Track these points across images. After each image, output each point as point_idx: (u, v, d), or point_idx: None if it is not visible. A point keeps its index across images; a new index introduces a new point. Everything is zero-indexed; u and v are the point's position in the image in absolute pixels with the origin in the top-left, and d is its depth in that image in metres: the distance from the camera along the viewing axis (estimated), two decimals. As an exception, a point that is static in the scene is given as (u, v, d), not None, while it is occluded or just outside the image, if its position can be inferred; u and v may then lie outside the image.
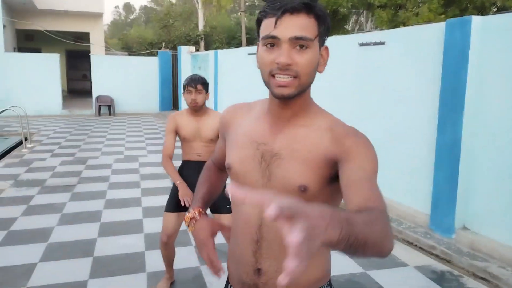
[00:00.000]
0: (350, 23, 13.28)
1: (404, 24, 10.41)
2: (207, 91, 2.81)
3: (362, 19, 14.18)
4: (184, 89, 2.80)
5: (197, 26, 21.48)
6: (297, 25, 0.94)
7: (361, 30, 13.75)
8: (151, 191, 5.33)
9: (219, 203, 2.64)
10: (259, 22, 1.01)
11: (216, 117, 2.85)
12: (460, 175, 3.64)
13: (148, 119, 12.76)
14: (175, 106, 14.04)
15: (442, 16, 10.00)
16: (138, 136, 9.68)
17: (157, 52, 14.99)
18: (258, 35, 1.01)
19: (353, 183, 0.90)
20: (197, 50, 14.19)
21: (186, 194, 2.70)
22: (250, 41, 22.13)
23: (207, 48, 20.68)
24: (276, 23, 0.94)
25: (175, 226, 2.92)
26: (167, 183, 5.71)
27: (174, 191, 2.86)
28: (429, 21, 9.99)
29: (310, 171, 0.99)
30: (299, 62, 0.95)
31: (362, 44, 4.82)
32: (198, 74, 2.87)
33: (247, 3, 25.91)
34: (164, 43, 17.44)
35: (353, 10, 12.45)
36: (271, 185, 1.03)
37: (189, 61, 11.58)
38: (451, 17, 10.74)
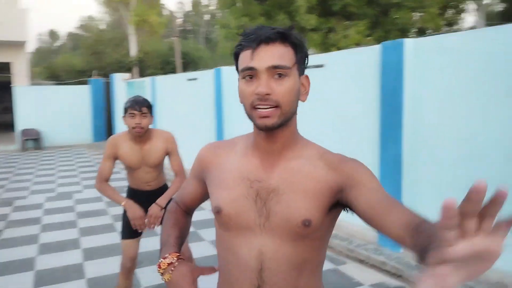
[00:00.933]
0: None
1: (335, 46, 10.91)
2: (151, 114, 2.61)
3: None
4: (125, 112, 2.54)
5: (129, 52, 21.01)
6: (274, 54, 0.94)
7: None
8: (90, 230, 4.94)
9: None
10: (236, 56, 1.00)
11: (161, 136, 2.68)
12: (403, 190, 3.76)
13: (80, 151, 12.06)
14: (110, 136, 13.44)
15: (369, 38, 10.61)
16: (70, 171, 9.07)
17: (87, 80, 14.36)
18: (237, 69, 1.01)
19: (382, 207, 0.87)
20: (131, 76, 13.78)
21: (136, 215, 2.51)
22: (185, 66, 22.03)
23: (141, 74, 20.25)
24: (252, 54, 0.94)
25: (136, 250, 2.77)
26: (108, 220, 5.34)
27: (126, 217, 2.66)
28: (358, 42, 10.55)
29: (313, 204, 0.96)
30: (278, 91, 0.93)
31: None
32: (141, 96, 2.63)
33: (178, 28, 25.85)
34: (95, 71, 16.77)
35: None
36: (270, 225, 0.97)
37: (124, 89, 11.18)
38: (376, 39, 11.45)
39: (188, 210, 1.26)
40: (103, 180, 2.64)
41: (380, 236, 3.99)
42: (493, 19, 22.43)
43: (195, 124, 7.60)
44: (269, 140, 1.01)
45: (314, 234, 0.97)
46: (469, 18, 23.47)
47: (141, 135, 2.58)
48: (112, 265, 3.88)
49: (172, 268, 1.02)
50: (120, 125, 11.54)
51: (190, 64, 22.95)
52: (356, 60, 4.29)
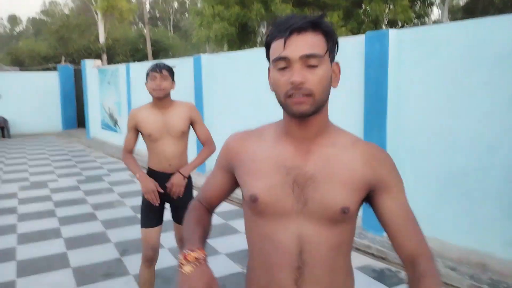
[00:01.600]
0: (258, 37, 13.68)
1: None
2: (173, 79, 2.53)
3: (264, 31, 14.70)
4: (147, 78, 2.50)
5: (98, 39, 20.38)
6: (306, 43, 0.95)
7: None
8: (70, 220, 4.84)
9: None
10: (267, 45, 1.01)
11: (185, 106, 2.59)
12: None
13: (50, 140, 11.68)
14: (80, 124, 13.08)
15: (343, 28, 10.76)
16: (43, 159, 8.79)
17: (54, 67, 13.86)
18: (268, 58, 1.02)
19: (401, 229, 1.02)
20: (102, 63, 13.40)
21: (149, 188, 2.43)
22: (156, 54, 21.63)
23: (109, 61, 19.71)
24: (285, 44, 0.95)
25: (158, 240, 2.63)
26: (88, 209, 5.25)
27: (145, 202, 2.56)
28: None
29: (350, 193, 1.00)
30: (312, 80, 0.95)
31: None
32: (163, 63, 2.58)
33: (148, 15, 25.26)
34: (63, 57, 16.19)
35: (261, 23, 12.84)
36: (308, 210, 1.00)
37: (95, 76, 10.88)
38: (350, 30, 11.62)
39: (210, 208, 1.23)
40: (126, 151, 2.65)
41: (364, 220, 4.13)
42: (456, 13, 23.22)
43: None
44: (303, 127, 1.02)
45: (350, 219, 1.02)
46: (435, 11, 24.23)
47: (162, 98, 2.48)
48: (97, 254, 3.84)
49: (197, 264, 0.96)
50: (93, 114, 11.24)
51: (161, 52, 22.55)
52: (340, 50, 4.36)
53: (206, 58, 6.58)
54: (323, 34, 0.97)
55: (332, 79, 1.01)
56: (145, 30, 21.97)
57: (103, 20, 19.99)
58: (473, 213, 3.31)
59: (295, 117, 0.99)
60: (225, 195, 1.21)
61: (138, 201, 5.51)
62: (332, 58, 1.01)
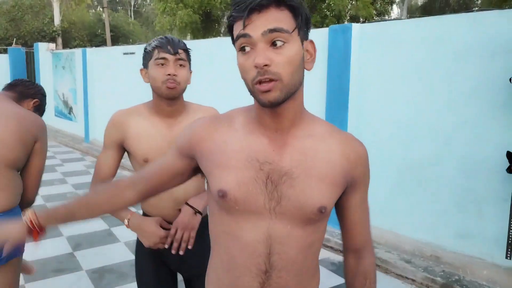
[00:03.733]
0: (222, 26, 13.51)
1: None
2: (190, 67, 1.58)
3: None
4: (148, 59, 1.52)
5: (53, 21, 19.41)
6: (269, 19, 0.84)
7: (227, 32, 14.08)
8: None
9: None
10: (230, 29, 0.91)
11: (204, 113, 1.57)
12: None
13: (-1, 127, 11.05)
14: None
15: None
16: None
17: (5, 49, 13.07)
18: (233, 43, 0.91)
19: (358, 223, 1.05)
20: (57, 47, 12.77)
21: (155, 233, 1.45)
22: (115, 40, 20.89)
23: (65, 45, 18.85)
24: (244, 23, 0.85)
25: None
26: (39, 200, 4.97)
27: (145, 267, 1.62)
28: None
29: (329, 190, 0.93)
30: (277, 61, 0.84)
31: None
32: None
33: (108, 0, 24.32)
34: (15, 39, 15.31)
35: (225, 12, 12.67)
36: (281, 209, 0.91)
37: (49, 60, 10.35)
38: (313, 23, 11.71)
39: (144, 192, 1.07)
40: (99, 182, 1.57)
41: (323, 213, 4.16)
42: (414, 12, 24.01)
43: (134, 103, 7.23)
44: (275, 116, 0.92)
45: (325, 217, 0.96)
46: (395, 9, 24.92)
47: (174, 98, 1.50)
48: (48, 248, 3.65)
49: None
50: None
51: (120, 38, 21.83)
52: None
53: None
54: (290, 9, 0.86)
55: (305, 61, 0.90)
56: (103, 14, 21.13)
57: (59, 1, 19.04)
58: (427, 205, 3.41)
59: (265, 107, 0.89)
60: (173, 180, 1.06)
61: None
62: (303, 37, 0.89)
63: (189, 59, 1.54)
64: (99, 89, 8.32)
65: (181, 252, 1.44)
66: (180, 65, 1.48)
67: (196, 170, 1.05)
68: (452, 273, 3.12)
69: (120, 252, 3.61)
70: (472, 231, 3.14)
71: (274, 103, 0.86)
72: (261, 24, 0.84)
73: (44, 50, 10.68)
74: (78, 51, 8.92)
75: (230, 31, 0.91)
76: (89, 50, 8.53)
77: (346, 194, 1.00)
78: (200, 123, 1.02)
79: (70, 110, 9.56)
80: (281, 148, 0.93)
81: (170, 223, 1.50)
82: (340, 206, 1.03)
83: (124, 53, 7.38)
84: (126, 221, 1.48)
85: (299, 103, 0.95)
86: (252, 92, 0.89)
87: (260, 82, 0.85)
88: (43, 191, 5.33)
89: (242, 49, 0.87)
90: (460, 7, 20.41)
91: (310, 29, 0.92)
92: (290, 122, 0.93)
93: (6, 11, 19.29)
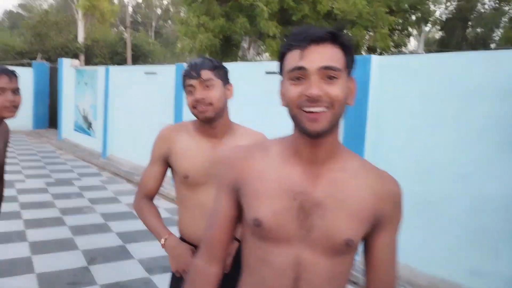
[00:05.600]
0: (240, 50, 13.77)
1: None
2: (226, 81, 1.57)
3: (245, 45, 14.83)
4: (184, 87, 1.55)
5: (76, 38, 20.01)
6: (325, 55, 0.89)
7: (244, 57, 14.31)
8: (36, 223, 4.67)
9: None
10: (282, 56, 0.95)
11: (250, 136, 1.61)
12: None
13: (19, 138, 11.28)
14: (52, 124, 12.71)
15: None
16: (10, 158, 8.46)
17: (29, 63, 13.49)
18: (281, 71, 0.96)
19: (383, 263, 1.01)
20: (81, 63, 13.14)
21: (182, 260, 1.49)
22: (135, 59, 21.39)
23: (87, 62, 19.35)
24: (302, 54, 0.89)
25: None
26: (55, 213, 5.07)
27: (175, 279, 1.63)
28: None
29: (357, 225, 0.95)
30: (330, 93, 0.88)
31: (268, 72, 5.01)
32: (204, 57, 1.60)
33: (130, 20, 25.06)
34: (40, 54, 15.79)
35: (244, 37, 12.95)
36: (310, 238, 0.95)
37: (72, 76, 10.64)
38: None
39: (222, 258, 1.08)
40: (144, 196, 1.63)
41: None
42: (431, 45, 24.17)
43: (152, 122, 7.41)
44: (314, 147, 0.95)
45: (352, 251, 0.98)
46: (412, 42, 25.17)
47: (211, 120, 1.51)
48: (63, 261, 3.70)
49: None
50: (67, 114, 10.97)
51: (140, 57, 22.33)
52: None
53: (189, 68, 6.55)
54: (342, 48, 0.91)
55: (348, 96, 0.94)
56: (125, 34, 21.72)
57: (84, 19, 19.68)
58: (441, 241, 3.41)
59: (308, 136, 0.92)
60: (235, 226, 1.07)
61: (108, 208, 5.42)
62: (348, 74, 0.94)
63: (219, 76, 1.53)
64: (118, 106, 8.51)
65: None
66: (207, 86, 1.48)
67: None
68: (465, 310, 3.08)
69: (134, 269, 3.65)
70: (487, 269, 3.12)
71: (320, 133, 0.90)
72: (317, 59, 0.88)
73: (68, 66, 11.00)
74: (101, 69, 9.17)
75: (280, 58, 0.95)
76: (112, 68, 8.78)
77: (374, 231, 1.00)
78: (237, 155, 1.04)
79: (89, 125, 9.77)
80: (315, 179, 0.96)
81: None
82: (367, 243, 1.02)
83: (146, 73, 7.59)
84: (163, 240, 1.51)
85: (336, 136, 0.98)
86: (295, 119, 0.93)
87: (303, 110, 0.89)
88: (60, 203, 5.43)
89: (294, 79, 0.91)
90: (477, 42, 20.52)
91: (354, 68, 0.96)
92: (326, 153, 0.96)
93: (32, 26, 19.94)
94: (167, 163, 1.60)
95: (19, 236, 4.23)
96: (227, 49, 12.48)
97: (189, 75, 1.49)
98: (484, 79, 3.18)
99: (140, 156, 7.79)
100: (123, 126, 8.35)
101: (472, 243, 3.20)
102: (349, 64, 0.93)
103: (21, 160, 8.36)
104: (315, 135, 0.91)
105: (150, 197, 1.63)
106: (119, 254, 3.96)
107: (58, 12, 25.25)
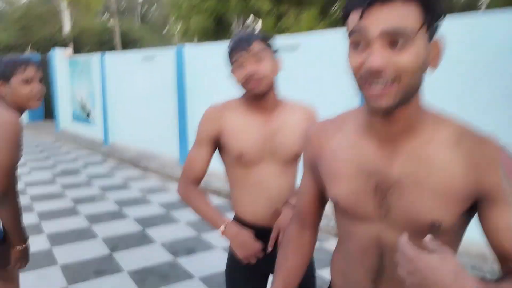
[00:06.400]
0: (234, 30, 13.55)
1: (288, 31, 10.99)
2: (274, 53, 1.46)
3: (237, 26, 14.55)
4: (230, 62, 1.45)
5: (62, 29, 19.55)
6: (390, 14, 0.72)
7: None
8: (50, 214, 4.58)
9: None
10: (345, 18, 0.81)
11: (303, 112, 1.53)
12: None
13: (15, 132, 11.11)
14: (48, 116, 12.51)
15: (321, 23, 10.82)
16: (10, 152, 8.31)
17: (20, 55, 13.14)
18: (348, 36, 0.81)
19: (504, 245, 0.81)
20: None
21: (248, 246, 1.42)
22: (124, 46, 21.00)
23: (76, 52, 18.97)
24: (362, 14, 0.74)
25: None
26: (68, 203, 4.98)
27: (237, 274, 1.56)
28: (310, 28, 10.72)
29: (445, 204, 0.81)
30: (398, 63, 0.73)
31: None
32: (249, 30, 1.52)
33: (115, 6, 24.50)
34: (29, 46, 15.45)
35: (236, 19, 12.72)
36: (390, 219, 0.87)
37: (66, 65, 10.41)
38: (326, 26, 11.70)
39: (312, 223, 1.09)
40: (190, 181, 1.50)
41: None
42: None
43: (154, 108, 7.27)
44: (387, 122, 0.82)
45: (443, 239, 0.80)
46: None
47: (263, 94, 1.43)
48: (86, 250, 3.64)
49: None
50: (63, 105, 10.76)
51: (129, 44, 21.94)
52: (321, 43, 4.37)
53: (189, 48, 6.40)
54: (419, 3, 0.73)
55: (426, 61, 0.78)
56: (111, 21, 21.26)
57: (69, 9, 19.20)
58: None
59: (376, 113, 0.81)
60: (320, 207, 1.08)
61: (121, 194, 5.33)
62: (432, 33, 0.77)
63: (270, 47, 1.43)
64: (117, 92, 8.35)
65: (269, 248, 1.43)
66: (259, 58, 1.38)
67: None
68: (500, 271, 3.08)
69: (158, 253, 3.60)
70: None
71: (387, 109, 0.77)
72: (382, 19, 0.73)
73: (60, 56, 10.75)
74: (96, 56, 8.97)
75: (344, 20, 0.81)
76: (108, 55, 8.58)
77: (482, 212, 0.83)
78: (314, 130, 1.01)
79: (88, 114, 9.60)
80: (392, 157, 0.86)
81: (264, 228, 1.47)
82: (482, 225, 0.85)
83: (143, 58, 7.40)
84: (222, 227, 1.42)
85: (417, 106, 0.83)
86: (361, 93, 0.81)
87: (365, 83, 0.76)
88: (71, 193, 5.34)
89: (354, 45, 0.77)
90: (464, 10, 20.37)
91: (440, 26, 0.79)
92: (403, 127, 0.83)
93: (16, 19, 19.47)
94: (215, 144, 1.50)
95: (36, 229, 4.14)
96: (220, 29, 12.27)
97: (239, 48, 1.39)
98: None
99: (143, 141, 7.68)
100: (124, 113, 8.21)
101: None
102: (431, 22, 0.76)
103: (23, 152, 8.21)
104: (382, 113, 0.79)
105: (197, 182, 1.52)
106: (141, 239, 3.89)
107: (41, 3, 24.61)
